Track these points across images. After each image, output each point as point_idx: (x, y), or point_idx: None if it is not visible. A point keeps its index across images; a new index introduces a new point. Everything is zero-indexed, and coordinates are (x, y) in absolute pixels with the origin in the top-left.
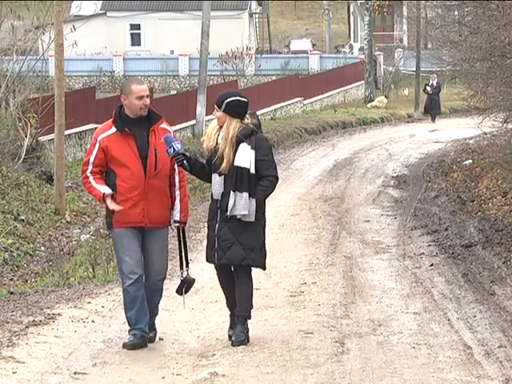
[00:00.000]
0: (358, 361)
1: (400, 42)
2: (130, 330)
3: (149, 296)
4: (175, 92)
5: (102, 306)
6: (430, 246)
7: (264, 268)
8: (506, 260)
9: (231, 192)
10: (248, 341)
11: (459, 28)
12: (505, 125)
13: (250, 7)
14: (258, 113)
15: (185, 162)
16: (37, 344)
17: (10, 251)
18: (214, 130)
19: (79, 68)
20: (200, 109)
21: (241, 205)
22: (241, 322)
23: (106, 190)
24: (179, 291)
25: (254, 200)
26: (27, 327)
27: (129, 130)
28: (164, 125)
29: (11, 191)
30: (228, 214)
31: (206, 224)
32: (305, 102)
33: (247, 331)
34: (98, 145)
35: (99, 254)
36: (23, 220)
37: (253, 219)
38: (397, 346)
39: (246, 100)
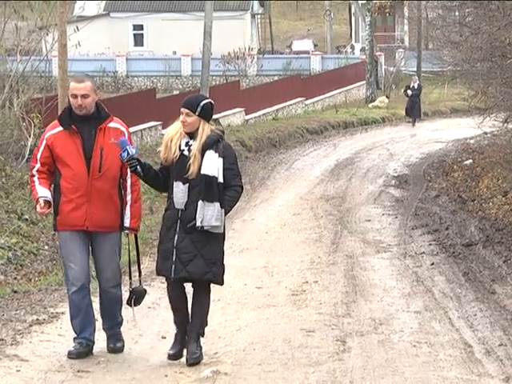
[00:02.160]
0: (360, 359)
1: (401, 42)
2: (75, 338)
3: (106, 304)
4: (178, 92)
5: None
6: (430, 245)
7: (222, 283)
8: (506, 259)
9: (200, 201)
10: (202, 358)
11: (460, 28)
12: (505, 125)
13: (252, 8)
14: (260, 113)
15: (138, 167)
16: (40, 342)
17: (14, 250)
18: (174, 139)
19: (82, 68)
20: None
21: (210, 215)
22: (194, 339)
23: (44, 194)
24: (129, 303)
25: (223, 211)
26: (31, 326)
27: (76, 127)
28: (115, 124)
29: (15, 191)
30: (198, 225)
31: None
32: (306, 102)
33: (200, 348)
34: (44, 142)
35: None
36: (27, 219)
37: (221, 231)
38: (398, 344)
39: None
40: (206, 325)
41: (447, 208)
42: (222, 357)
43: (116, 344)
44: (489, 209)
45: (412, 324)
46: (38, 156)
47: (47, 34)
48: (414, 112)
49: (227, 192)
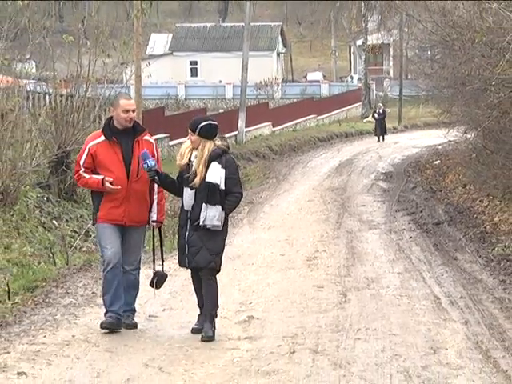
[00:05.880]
0: (357, 308)
1: (387, 73)
2: (105, 313)
3: (126, 286)
4: (223, 110)
5: (169, 268)
6: (409, 223)
7: (219, 271)
8: (465, 234)
9: (203, 204)
10: (214, 339)
11: (431, 63)
12: (464, 135)
13: (277, 48)
14: (283, 126)
15: (156, 177)
16: None
17: None
18: (186, 149)
19: (152, 93)
20: (241, 123)
21: (212, 216)
22: (209, 320)
23: (102, 177)
24: (151, 284)
25: (224, 213)
26: None
27: (116, 139)
28: (147, 137)
29: None
30: (201, 223)
31: None
32: (318, 118)
33: (214, 329)
34: (87, 151)
35: (167, 229)
36: None
37: (221, 229)
38: (385, 297)
39: (216, 123)
40: (217, 307)
41: (421, 196)
42: (255, 306)
43: (131, 321)
44: (452, 197)
45: (395, 282)
46: (82, 162)
47: (126, 68)
48: (381, 132)
49: (228, 197)
